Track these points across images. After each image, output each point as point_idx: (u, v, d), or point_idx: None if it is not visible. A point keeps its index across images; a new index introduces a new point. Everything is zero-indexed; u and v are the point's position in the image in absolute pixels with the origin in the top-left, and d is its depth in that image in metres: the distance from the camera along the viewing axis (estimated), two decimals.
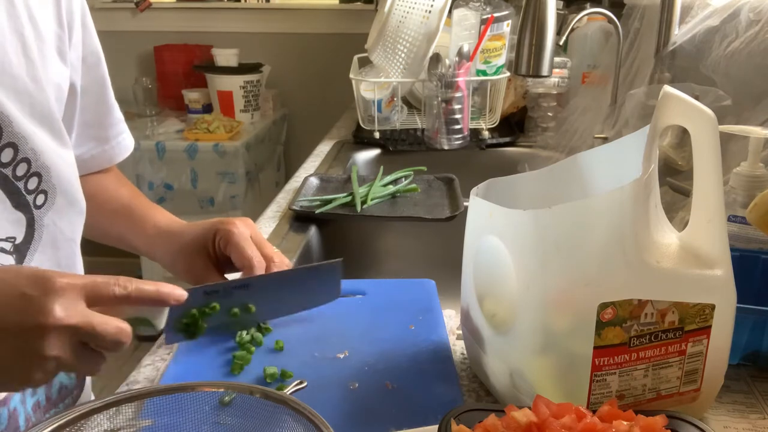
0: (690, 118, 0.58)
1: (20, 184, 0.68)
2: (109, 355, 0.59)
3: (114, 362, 0.61)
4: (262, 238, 0.81)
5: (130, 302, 0.59)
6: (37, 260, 0.72)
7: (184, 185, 2.63)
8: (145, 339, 0.72)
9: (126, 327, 0.57)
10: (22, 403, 0.72)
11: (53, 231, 0.73)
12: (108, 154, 0.89)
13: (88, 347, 0.56)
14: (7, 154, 0.67)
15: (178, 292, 0.63)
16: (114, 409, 0.55)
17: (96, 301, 0.56)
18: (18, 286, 0.54)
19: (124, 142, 0.92)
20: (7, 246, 0.68)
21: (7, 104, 0.66)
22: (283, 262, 0.80)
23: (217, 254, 0.80)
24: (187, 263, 0.82)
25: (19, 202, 0.69)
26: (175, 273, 0.84)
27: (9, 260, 0.68)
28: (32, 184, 0.70)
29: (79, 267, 0.79)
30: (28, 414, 0.73)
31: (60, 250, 0.74)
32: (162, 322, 0.64)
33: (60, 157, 0.73)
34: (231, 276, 0.81)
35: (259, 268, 0.76)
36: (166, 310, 0.65)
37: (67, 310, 0.53)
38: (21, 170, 0.68)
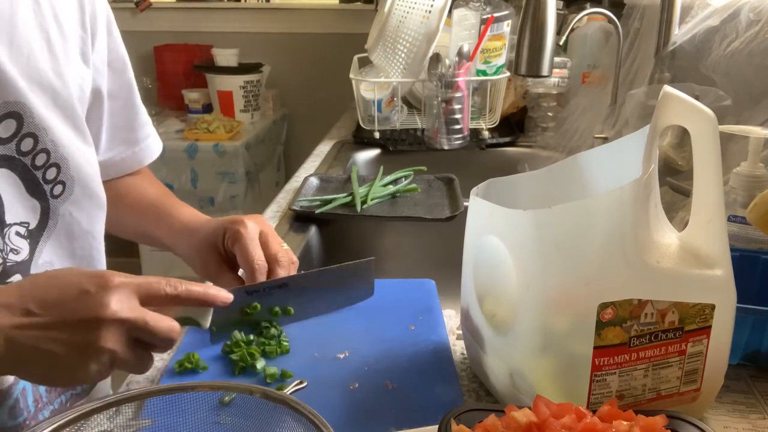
0: (690, 118, 0.58)
1: (38, 174, 0.71)
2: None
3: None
4: (270, 236, 0.81)
5: (179, 302, 0.62)
6: (50, 247, 0.73)
7: (184, 185, 2.63)
8: None
9: (176, 325, 0.60)
10: (35, 384, 0.73)
11: (69, 221, 0.75)
12: (138, 157, 0.92)
13: (140, 344, 0.58)
14: (27, 144, 0.69)
15: (224, 294, 0.66)
16: (114, 409, 0.55)
17: (148, 299, 0.59)
18: (78, 283, 0.57)
19: (153, 144, 0.94)
20: (22, 230, 0.70)
21: (30, 95, 0.68)
22: (290, 260, 0.80)
23: (228, 253, 0.81)
24: (202, 260, 0.83)
25: (35, 190, 0.71)
26: (194, 269, 0.86)
27: (23, 243, 0.70)
28: (51, 174, 0.72)
29: (97, 260, 0.80)
30: (39, 394, 0.74)
31: (75, 241, 0.76)
32: (208, 321, 0.67)
33: (80, 151, 0.75)
34: (242, 273, 0.82)
35: (260, 271, 0.77)
36: (211, 310, 0.67)
37: (123, 305, 0.56)
38: (40, 160, 0.70)
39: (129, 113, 0.89)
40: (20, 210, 0.70)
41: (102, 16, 0.79)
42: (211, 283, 0.82)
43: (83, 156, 0.75)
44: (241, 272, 0.82)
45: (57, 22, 0.72)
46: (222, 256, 0.82)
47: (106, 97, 0.83)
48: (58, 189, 0.73)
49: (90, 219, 0.77)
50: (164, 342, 0.59)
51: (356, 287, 0.84)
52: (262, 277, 0.77)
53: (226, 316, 0.73)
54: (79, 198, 0.75)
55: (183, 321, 0.63)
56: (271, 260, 0.79)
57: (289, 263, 0.80)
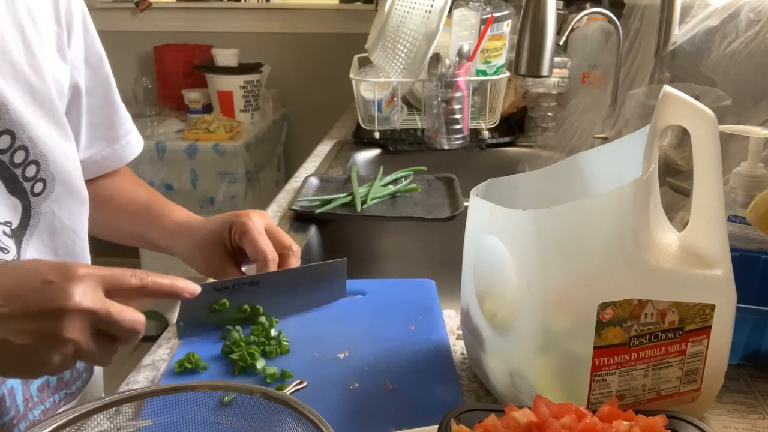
0: (690, 118, 0.58)
1: (18, 171, 0.70)
2: (122, 349, 0.61)
3: (114, 362, 0.62)
4: (277, 229, 0.82)
5: (145, 293, 0.61)
6: (34, 246, 0.73)
7: (184, 185, 2.63)
8: (146, 339, 0.73)
9: (141, 317, 0.59)
10: (25, 383, 0.73)
11: (51, 219, 0.74)
12: (119, 154, 0.91)
13: (104, 336, 0.58)
14: (4, 141, 0.68)
15: (192, 287, 0.65)
16: (114, 409, 0.55)
17: (113, 290, 0.58)
18: (40, 273, 0.56)
19: (134, 140, 0.93)
20: (6, 230, 0.70)
21: (5, 91, 0.67)
22: (298, 252, 0.81)
23: (234, 247, 0.82)
24: (205, 257, 0.83)
25: (15, 188, 0.70)
26: (195, 267, 0.86)
27: (10, 243, 0.70)
28: (30, 171, 0.71)
29: (80, 257, 0.80)
30: (30, 394, 0.74)
31: (58, 238, 0.75)
32: (174, 316, 0.67)
33: (60, 147, 0.74)
34: (246, 268, 0.83)
35: (273, 260, 0.78)
36: (178, 304, 0.67)
37: (86, 296, 0.55)
38: (19, 158, 0.70)
39: (108, 110, 0.88)
40: (2, 209, 0.69)
41: (77, 12, 0.79)
42: (213, 279, 0.82)
43: (63, 152, 0.74)
44: (245, 268, 0.83)
45: (31, 18, 0.71)
46: (227, 252, 0.82)
47: (84, 94, 0.82)
48: (38, 187, 0.72)
49: (72, 216, 0.77)
50: (129, 334, 0.58)
51: (328, 287, 0.84)
52: (274, 268, 0.78)
53: (194, 312, 0.73)
54: (60, 195, 0.74)
55: (149, 314, 0.63)
56: (285, 249, 0.80)
57: (297, 255, 0.81)
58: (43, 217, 0.73)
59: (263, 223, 0.81)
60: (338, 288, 0.85)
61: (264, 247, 0.78)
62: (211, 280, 0.84)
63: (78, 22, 0.79)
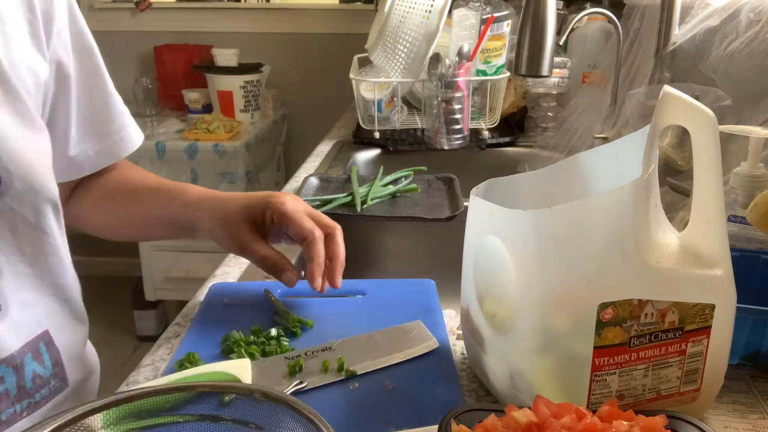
0: (690, 118, 0.58)
1: None
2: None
3: (114, 362, 0.60)
4: (315, 211, 0.82)
5: None
6: None
7: None
8: (145, 339, 0.72)
9: None
10: None
11: (10, 216, 0.69)
12: (112, 150, 0.88)
13: None
14: None
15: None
16: (114, 409, 0.55)
17: None
18: None
19: (129, 136, 0.89)
20: None
21: None
22: (341, 232, 0.82)
23: (267, 226, 0.81)
24: (231, 231, 0.81)
25: None
26: (216, 240, 0.83)
27: None
28: None
29: (51, 254, 0.75)
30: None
31: (21, 237, 0.71)
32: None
33: (21, 139, 0.69)
34: (278, 246, 0.82)
35: (319, 239, 0.78)
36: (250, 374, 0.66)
37: None
38: None
39: (100, 103, 0.85)
40: None
41: (60, 0, 0.76)
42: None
43: (25, 144, 0.69)
44: (275, 246, 0.82)
45: None
46: (255, 228, 0.81)
47: (73, 86, 0.80)
48: None
49: (37, 213, 0.72)
50: None
51: (410, 341, 0.76)
52: (321, 246, 0.78)
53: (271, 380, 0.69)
54: (21, 191, 0.69)
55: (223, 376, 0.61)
56: (330, 229, 0.80)
57: (341, 232, 0.81)
58: (1, 215, 0.68)
59: (300, 206, 0.81)
60: (423, 340, 0.76)
61: (310, 226, 0.78)
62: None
63: (61, 11, 0.76)
